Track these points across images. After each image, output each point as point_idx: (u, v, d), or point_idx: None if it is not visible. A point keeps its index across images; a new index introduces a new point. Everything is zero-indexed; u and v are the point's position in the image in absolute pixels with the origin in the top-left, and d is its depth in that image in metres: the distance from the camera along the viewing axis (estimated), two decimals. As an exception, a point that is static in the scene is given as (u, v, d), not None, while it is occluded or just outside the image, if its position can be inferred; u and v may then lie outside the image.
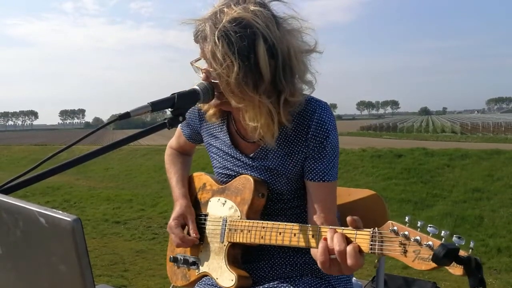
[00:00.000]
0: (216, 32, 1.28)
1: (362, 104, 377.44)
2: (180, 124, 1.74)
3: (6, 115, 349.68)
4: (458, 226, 5.93)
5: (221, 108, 1.48)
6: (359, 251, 1.14)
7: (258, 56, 1.28)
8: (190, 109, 1.53)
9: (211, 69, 1.34)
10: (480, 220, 6.07)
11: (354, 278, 1.69)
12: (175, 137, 1.84)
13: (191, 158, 1.88)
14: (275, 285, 1.46)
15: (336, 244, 1.16)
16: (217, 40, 1.28)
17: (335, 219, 1.44)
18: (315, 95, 1.45)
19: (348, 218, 1.18)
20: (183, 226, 1.61)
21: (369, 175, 8.74)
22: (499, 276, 4.49)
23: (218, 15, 1.30)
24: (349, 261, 1.14)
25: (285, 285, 1.45)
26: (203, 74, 1.39)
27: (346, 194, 1.74)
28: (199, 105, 1.52)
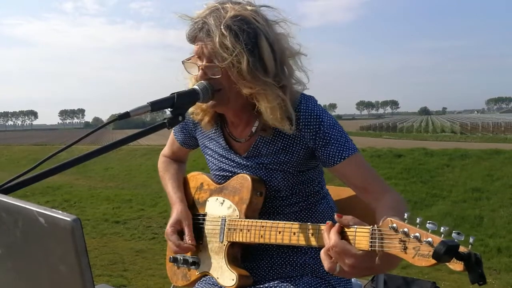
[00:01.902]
0: (222, 24, 1.32)
1: (361, 104, 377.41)
2: (172, 130, 1.75)
3: (6, 115, 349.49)
4: (458, 226, 5.93)
5: (215, 110, 1.49)
6: (358, 249, 1.12)
7: (263, 51, 1.34)
8: None
9: (216, 63, 1.35)
10: (480, 220, 6.07)
11: (353, 278, 1.69)
12: (168, 144, 1.84)
13: (185, 165, 1.87)
14: (276, 285, 1.46)
15: (331, 239, 1.14)
16: (224, 31, 1.31)
17: (383, 185, 1.40)
18: (315, 94, 1.47)
19: (336, 217, 1.17)
20: (179, 232, 1.61)
21: (369, 175, 8.72)
22: (498, 276, 4.50)
23: (220, 10, 1.35)
24: (347, 260, 1.12)
25: (285, 284, 1.45)
26: (200, 71, 1.39)
27: (346, 193, 1.74)
28: (192, 116, 1.54)
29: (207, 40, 1.35)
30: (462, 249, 0.95)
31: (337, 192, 1.74)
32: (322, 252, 1.18)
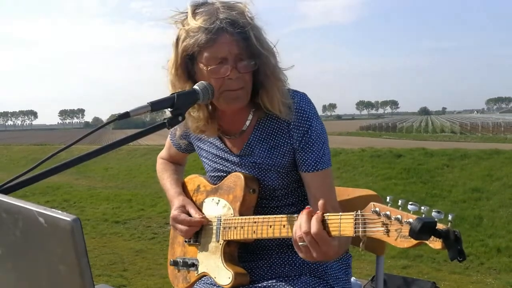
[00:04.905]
0: (249, 19, 1.34)
1: (361, 104, 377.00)
2: (169, 135, 1.74)
3: (5, 115, 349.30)
4: (457, 226, 5.92)
5: (229, 110, 1.45)
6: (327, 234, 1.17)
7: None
8: None
9: (250, 60, 1.35)
10: (479, 220, 6.07)
11: (353, 278, 1.69)
12: (166, 148, 1.83)
13: (183, 167, 1.86)
14: (273, 284, 1.46)
15: (314, 226, 1.18)
16: (256, 25, 1.35)
17: (336, 204, 1.45)
18: (315, 93, 1.47)
19: (320, 204, 1.19)
20: (186, 214, 1.60)
21: (369, 175, 8.74)
22: (498, 276, 4.49)
23: (236, 8, 1.36)
24: (323, 248, 1.18)
25: (283, 283, 1.45)
26: (233, 70, 1.33)
27: (345, 194, 1.74)
28: (196, 131, 1.49)
29: (238, 37, 1.32)
30: (440, 226, 0.95)
31: (336, 193, 1.74)
32: (296, 237, 1.22)
